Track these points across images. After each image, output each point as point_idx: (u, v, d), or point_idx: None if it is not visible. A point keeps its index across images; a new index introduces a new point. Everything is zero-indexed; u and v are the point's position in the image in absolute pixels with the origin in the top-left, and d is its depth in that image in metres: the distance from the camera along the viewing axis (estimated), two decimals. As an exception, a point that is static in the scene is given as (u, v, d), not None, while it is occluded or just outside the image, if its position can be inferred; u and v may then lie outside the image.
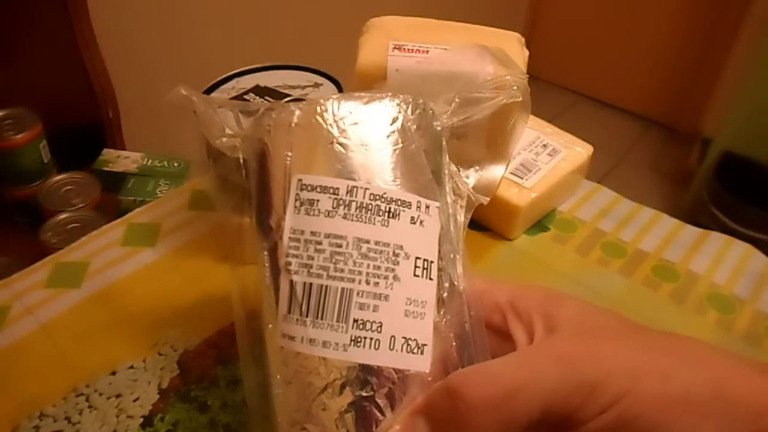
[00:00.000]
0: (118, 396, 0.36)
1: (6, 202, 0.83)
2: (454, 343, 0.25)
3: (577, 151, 0.51)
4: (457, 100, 0.28)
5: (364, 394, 0.23)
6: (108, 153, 0.84)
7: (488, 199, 0.30)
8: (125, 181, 0.78)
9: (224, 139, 0.28)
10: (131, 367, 0.37)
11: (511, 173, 0.47)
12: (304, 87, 0.46)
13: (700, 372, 0.22)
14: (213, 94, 0.45)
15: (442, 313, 0.25)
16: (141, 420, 0.34)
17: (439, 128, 0.28)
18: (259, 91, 0.45)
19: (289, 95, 0.45)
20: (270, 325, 0.25)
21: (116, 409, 0.35)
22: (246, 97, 0.44)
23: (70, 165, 0.82)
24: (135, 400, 0.35)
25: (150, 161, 0.82)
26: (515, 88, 0.29)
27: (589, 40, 2.05)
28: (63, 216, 0.73)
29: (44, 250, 0.65)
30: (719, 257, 0.49)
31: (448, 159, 0.28)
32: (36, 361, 0.37)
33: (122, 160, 0.82)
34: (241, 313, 0.27)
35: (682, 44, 1.87)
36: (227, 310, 0.28)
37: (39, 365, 0.37)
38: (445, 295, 0.25)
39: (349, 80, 0.41)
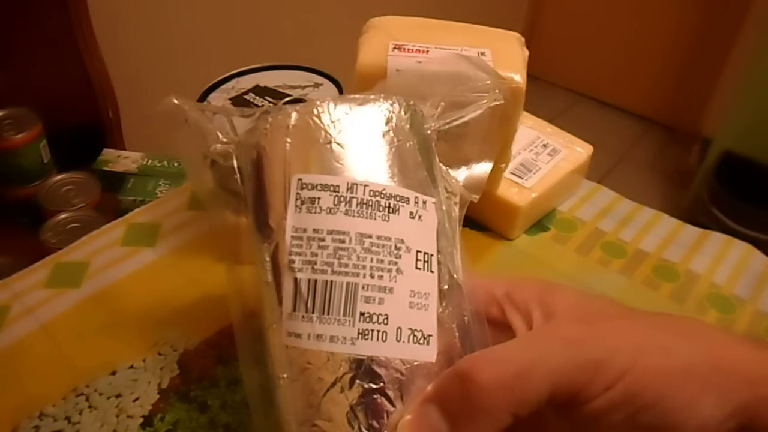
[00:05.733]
0: (118, 396, 0.36)
1: (6, 202, 0.83)
2: (457, 334, 0.26)
3: (577, 151, 0.51)
4: (443, 104, 0.29)
5: (374, 386, 0.23)
6: (108, 153, 0.84)
7: (478, 196, 0.31)
8: (125, 181, 0.78)
9: (218, 146, 0.28)
10: (131, 367, 0.37)
11: (511, 173, 0.47)
12: (304, 87, 0.46)
13: (697, 345, 0.23)
14: (213, 95, 0.45)
15: (444, 304, 0.26)
16: (141, 420, 0.34)
17: (429, 131, 0.28)
18: (259, 91, 0.45)
19: (289, 95, 0.45)
20: (274, 326, 0.25)
21: (116, 409, 0.35)
22: (246, 97, 0.44)
23: (70, 165, 0.82)
24: (135, 400, 0.35)
25: (150, 161, 0.82)
26: (497, 91, 0.30)
27: (589, 40, 2.05)
28: (63, 216, 0.73)
29: (44, 250, 0.65)
30: (719, 257, 0.49)
31: (437, 159, 0.29)
32: (36, 361, 0.37)
33: (122, 160, 0.82)
34: (239, 314, 0.27)
35: (682, 44, 1.87)
36: (227, 310, 0.28)
37: (39, 365, 0.37)
38: (446, 287, 0.26)
39: (349, 80, 0.41)
